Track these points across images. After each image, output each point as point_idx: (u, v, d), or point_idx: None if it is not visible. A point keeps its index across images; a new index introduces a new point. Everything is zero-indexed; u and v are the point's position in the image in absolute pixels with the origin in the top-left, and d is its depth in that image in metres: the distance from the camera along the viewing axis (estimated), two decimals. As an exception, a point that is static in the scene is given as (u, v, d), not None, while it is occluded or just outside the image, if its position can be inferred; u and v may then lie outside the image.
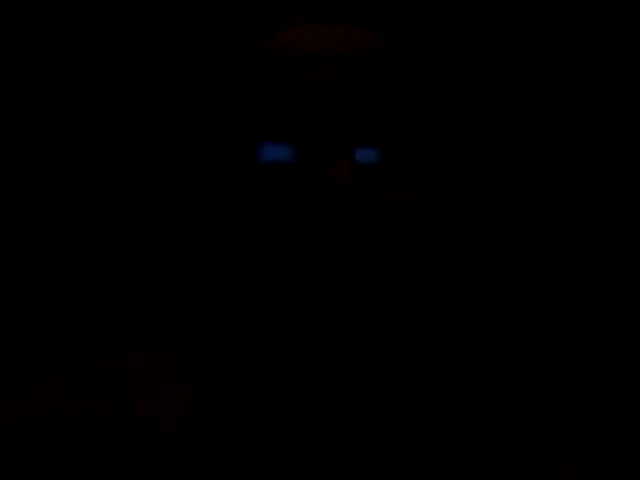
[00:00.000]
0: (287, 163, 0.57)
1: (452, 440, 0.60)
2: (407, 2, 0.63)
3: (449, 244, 0.64)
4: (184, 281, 0.64)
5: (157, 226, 0.87)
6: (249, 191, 0.57)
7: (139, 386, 0.60)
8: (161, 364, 0.62)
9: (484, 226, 1.03)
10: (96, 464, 0.57)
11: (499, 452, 0.60)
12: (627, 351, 1.08)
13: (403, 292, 0.59)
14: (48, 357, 1.04)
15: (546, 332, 1.09)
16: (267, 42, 0.58)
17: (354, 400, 0.59)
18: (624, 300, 1.10)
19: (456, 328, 0.69)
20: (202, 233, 0.61)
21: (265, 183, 0.56)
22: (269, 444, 0.58)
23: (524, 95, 1.09)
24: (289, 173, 0.57)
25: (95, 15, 1.05)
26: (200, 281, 0.63)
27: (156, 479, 0.56)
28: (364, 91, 0.56)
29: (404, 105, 0.58)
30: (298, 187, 0.56)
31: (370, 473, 0.57)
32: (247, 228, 0.57)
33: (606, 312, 1.10)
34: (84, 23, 1.06)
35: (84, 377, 0.61)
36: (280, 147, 0.56)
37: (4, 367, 1.07)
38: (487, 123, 1.06)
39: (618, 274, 1.10)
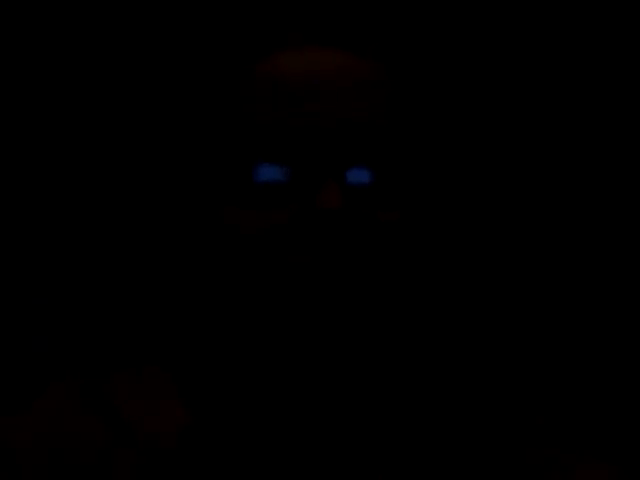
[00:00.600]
0: (282, 183, 0.57)
1: (449, 447, 0.60)
2: (397, 26, 0.63)
3: (440, 261, 0.64)
4: (181, 297, 0.65)
5: (155, 242, 0.88)
6: (244, 213, 0.57)
7: (137, 403, 0.61)
8: (158, 381, 0.63)
9: (475, 242, 1.03)
10: (96, 478, 0.57)
11: (496, 460, 0.60)
12: (625, 362, 1.09)
13: (397, 308, 0.59)
14: (48, 368, 1.05)
15: (543, 344, 1.09)
16: (264, 65, 0.58)
17: (350, 412, 0.59)
18: (624, 307, 1.10)
19: (454, 342, 0.70)
20: (198, 251, 0.61)
21: (260, 204, 0.57)
22: (267, 455, 0.58)
23: (513, 116, 1.09)
24: (283, 193, 0.57)
25: (96, 31, 1.05)
26: (196, 298, 0.63)
27: None
28: (357, 116, 0.57)
29: (395, 128, 0.59)
30: (290, 211, 0.57)
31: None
32: (241, 248, 0.57)
33: (606, 320, 1.10)
34: (87, 39, 1.06)
35: (83, 395, 0.61)
36: (275, 168, 0.57)
37: (5, 370, 1.07)
38: (475, 143, 1.06)
39: (615, 286, 1.10)
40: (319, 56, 0.58)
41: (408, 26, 0.63)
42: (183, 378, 0.63)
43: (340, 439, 0.59)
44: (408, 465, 0.59)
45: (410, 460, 0.59)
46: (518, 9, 1.07)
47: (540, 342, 1.08)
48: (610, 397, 1.06)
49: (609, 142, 1.10)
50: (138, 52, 1.01)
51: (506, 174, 1.09)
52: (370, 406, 0.60)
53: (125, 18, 1.03)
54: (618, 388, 1.07)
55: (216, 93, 0.60)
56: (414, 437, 0.60)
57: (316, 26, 0.59)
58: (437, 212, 0.64)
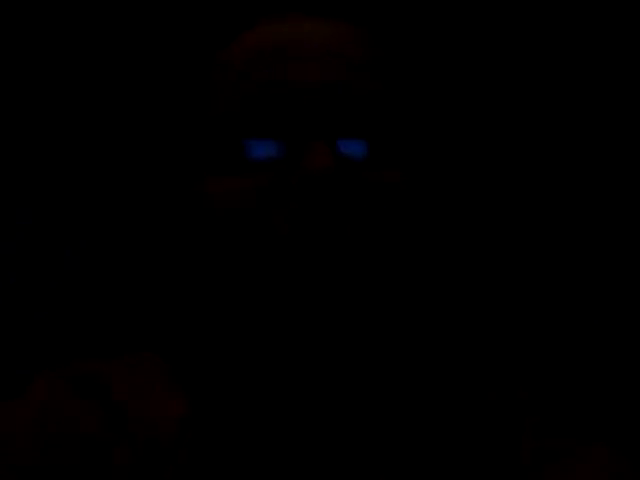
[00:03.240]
0: (274, 158, 0.55)
1: (447, 440, 0.59)
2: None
3: (437, 233, 0.62)
4: (177, 284, 0.64)
5: (151, 230, 0.87)
6: (236, 188, 0.55)
7: (135, 392, 0.60)
8: (156, 369, 0.62)
9: (473, 216, 1.02)
10: (93, 469, 0.56)
11: (494, 452, 0.60)
12: (624, 355, 1.08)
13: (394, 287, 0.57)
14: (44, 356, 1.04)
15: (542, 333, 1.09)
16: (249, 36, 0.57)
17: (351, 401, 0.58)
18: (623, 302, 1.10)
19: (452, 328, 0.69)
20: (192, 235, 0.60)
21: (251, 178, 0.55)
22: (266, 447, 0.57)
23: (514, 88, 1.09)
24: (275, 168, 0.55)
25: (88, 20, 1.06)
26: (192, 283, 0.62)
27: None
28: (339, 81, 0.54)
29: (389, 97, 0.57)
30: (281, 178, 0.54)
31: None
32: (235, 226, 0.55)
33: (605, 311, 1.10)
34: (77, 31, 1.07)
35: (78, 383, 0.60)
36: (267, 143, 0.55)
37: (4, 367, 1.07)
38: (475, 114, 1.06)
39: (612, 282, 1.10)
40: (308, 24, 0.56)
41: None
42: (181, 366, 0.62)
43: (342, 432, 0.58)
44: (408, 457, 0.58)
45: (409, 452, 0.58)
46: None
47: (538, 334, 1.08)
48: (609, 388, 1.06)
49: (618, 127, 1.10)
50: (124, 35, 1.00)
51: (507, 147, 1.08)
52: (370, 394, 0.59)
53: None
54: (617, 380, 1.07)
55: (203, 69, 0.59)
56: (413, 429, 0.59)
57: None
58: (432, 185, 0.61)
